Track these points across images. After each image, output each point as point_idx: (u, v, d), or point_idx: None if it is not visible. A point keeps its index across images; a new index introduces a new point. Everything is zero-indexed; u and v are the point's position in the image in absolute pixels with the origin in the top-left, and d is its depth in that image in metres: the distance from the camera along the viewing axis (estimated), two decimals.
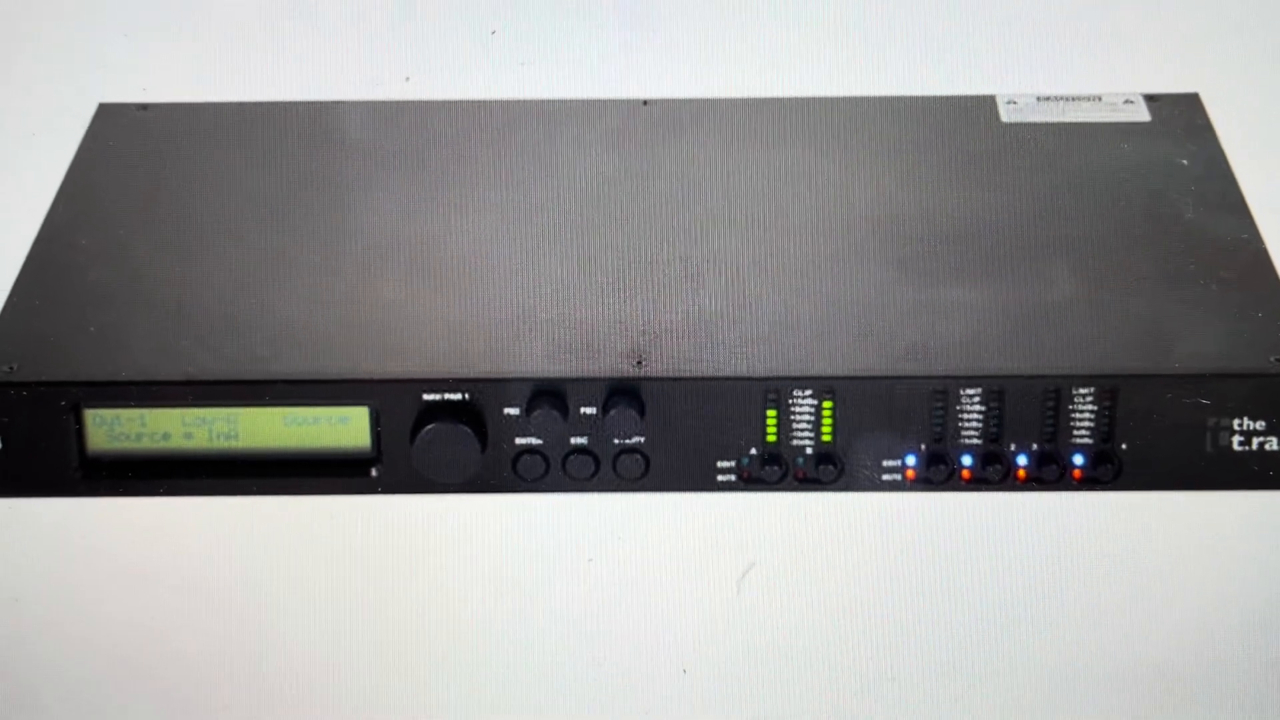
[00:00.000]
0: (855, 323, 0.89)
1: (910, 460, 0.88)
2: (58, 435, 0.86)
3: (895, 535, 0.89)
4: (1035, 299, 0.90)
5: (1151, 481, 0.88)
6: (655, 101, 1.05)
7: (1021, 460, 0.88)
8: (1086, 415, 0.87)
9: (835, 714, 0.91)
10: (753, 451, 0.88)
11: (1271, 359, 0.86)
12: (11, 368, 0.86)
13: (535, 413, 0.86)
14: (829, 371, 0.87)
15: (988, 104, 1.05)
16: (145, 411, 0.87)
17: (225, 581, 0.90)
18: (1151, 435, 0.87)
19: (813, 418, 0.87)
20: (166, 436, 0.87)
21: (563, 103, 1.06)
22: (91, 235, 0.96)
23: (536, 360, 0.87)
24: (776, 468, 0.88)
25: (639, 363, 0.87)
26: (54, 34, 1.19)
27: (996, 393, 0.86)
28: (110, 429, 0.87)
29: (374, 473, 0.88)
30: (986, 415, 0.87)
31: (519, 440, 0.87)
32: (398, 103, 1.07)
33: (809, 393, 0.87)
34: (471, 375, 0.86)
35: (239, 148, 1.03)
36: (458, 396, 0.86)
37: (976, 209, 0.97)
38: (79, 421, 0.87)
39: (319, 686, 0.91)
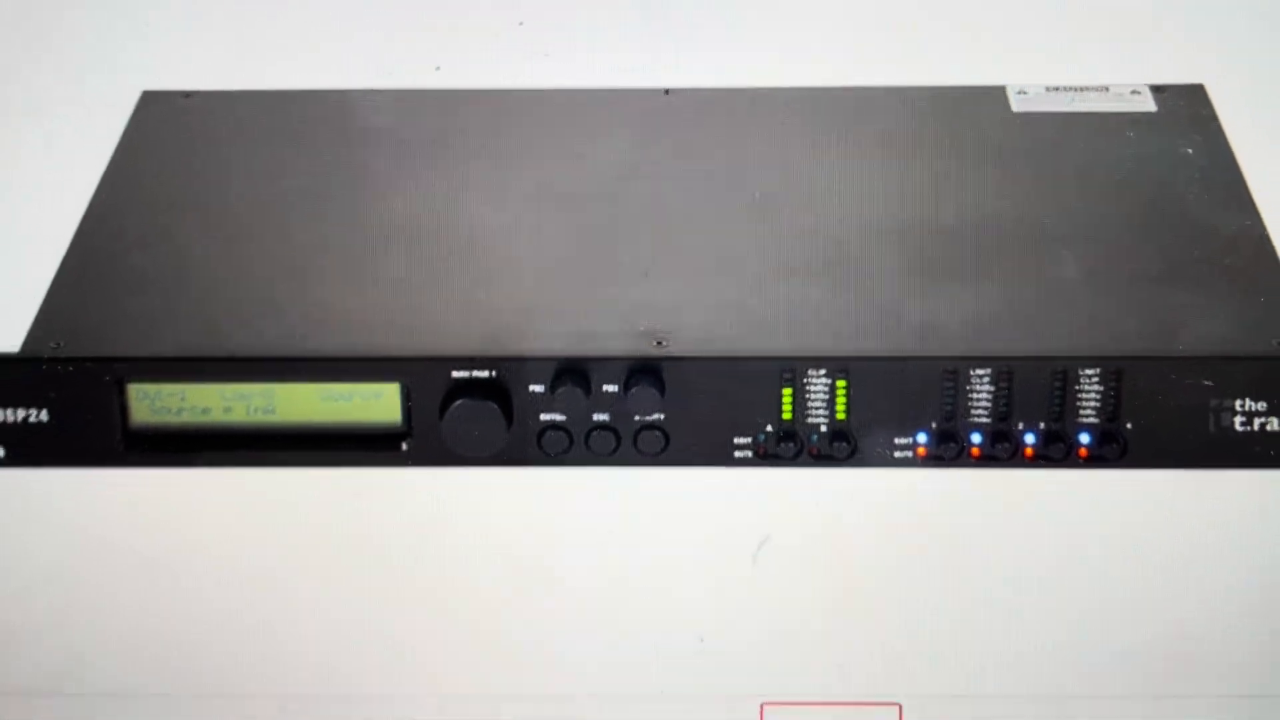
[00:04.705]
0: (869, 304, 0.90)
1: (921, 438, 0.89)
2: (102, 409, 0.88)
3: (906, 510, 0.90)
4: (1043, 283, 0.91)
5: (1156, 460, 0.88)
6: (677, 91, 1.07)
7: (1029, 439, 0.89)
8: (1093, 395, 0.88)
9: (847, 683, 0.92)
10: (769, 429, 0.89)
11: (1273, 342, 0.87)
12: (58, 344, 0.88)
13: (559, 390, 0.88)
14: (843, 352, 0.88)
15: (998, 94, 1.06)
16: (186, 386, 0.88)
17: (260, 550, 0.91)
18: (1156, 415, 0.87)
19: (827, 396, 0.88)
20: (206, 411, 0.89)
21: (587, 92, 1.07)
22: (135, 218, 0.98)
23: (561, 340, 0.88)
24: (792, 444, 0.89)
25: (659, 342, 0.88)
26: (100, 23, 1.19)
27: (1005, 373, 0.87)
28: (152, 403, 0.89)
29: (404, 447, 0.89)
30: (996, 395, 0.88)
31: (544, 416, 0.88)
32: (429, 91, 1.08)
33: (823, 372, 0.88)
34: (498, 354, 0.88)
35: (277, 134, 1.04)
36: (485, 374, 0.88)
37: (987, 195, 0.98)
38: (122, 396, 0.88)
39: (346, 652, 0.92)
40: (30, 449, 0.89)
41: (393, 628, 0.92)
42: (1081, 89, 1.06)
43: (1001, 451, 0.89)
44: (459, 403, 0.87)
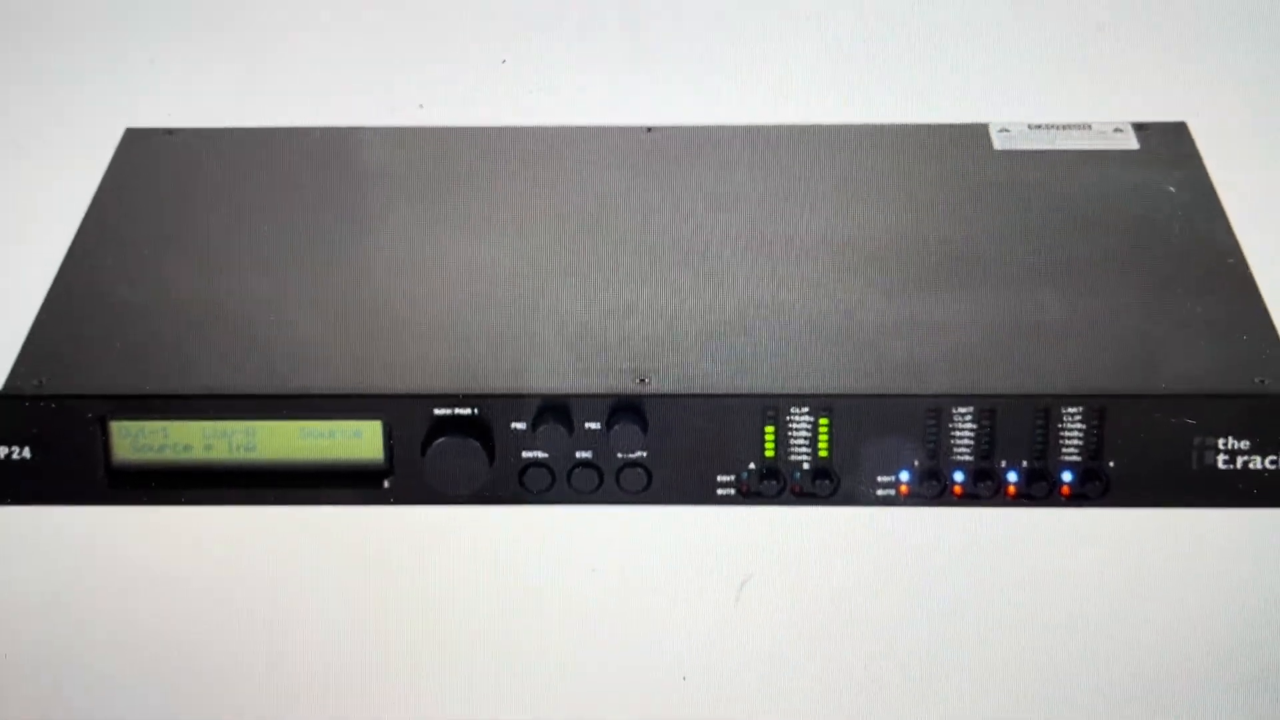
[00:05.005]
0: (851, 342, 0.91)
1: (904, 476, 0.89)
2: (84, 446, 0.88)
3: (889, 549, 0.91)
4: (1026, 320, 0.91)
5: (1138, 498, 0.89)
6: (658, 128, 1.07)
7: (1012, 477, 0.89)
8: (1075, 433, 0.88)
9: (830, 719, 0.92)
10: (751, 466, 0.89)
11: (1256, 380, 0.88)
12: (41, 381, 0.88)
13: (541, 427, 0.88)
14: (826, 389, 0.88)
15: (981, 132, 1.06)
16: (168, 424, 0.89)
17: (242, 588, 0.92)
18: (1138, 453, 0.88)
19: (810, 434, 0.88)
20: (188, 448, 0.89)
21: (569, 129, 1.07)
22: (118, 255, 0.98)
23: (543, 377, 0.89)
24: (774, 482, 0.89)
25: (642, 380, 0.88)
26: (83, 61, 1.20)
27: (988, 411, 0.88)
28: (135, 440, 0.89)
29: (386, 484, 0.89)
30: (978, 433, 0.88)
31: (526, 454, 0.89)
32: (412, 129, 1.08)
33: (806, 410, 0.88)
34: (481, 391, 0.88)
35: (260, 171, 1.04)
36: (467, 411, 0.88)
37: (969, 233, 0.98)
38: (105, 433, 0.88)
39: (329, 691, 0.92)
40: (12, 487, 0.89)
41: (373, 666, 0.92)
42: (1064, 127, 1.07)
43: (984, 490, 0.89)
44: (441, 440, 0.88)
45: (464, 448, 0.88)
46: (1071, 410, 0.87)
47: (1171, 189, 1.01)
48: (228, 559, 0.91)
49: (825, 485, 0.89)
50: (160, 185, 1.04)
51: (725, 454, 0.89)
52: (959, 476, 0.89)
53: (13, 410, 0.88)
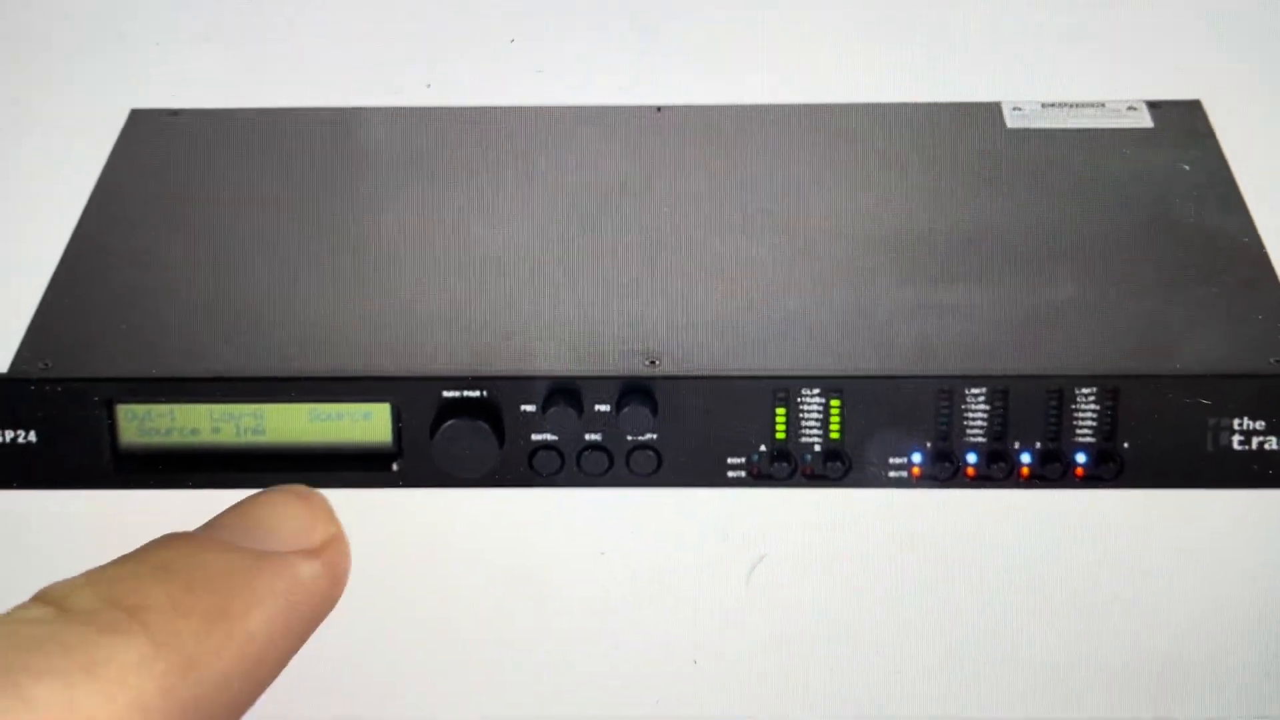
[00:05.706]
0: (863, 323, 0.90)
1: (916, 458, 0.88)
2: (91, 430, 0.88)
3: (901, 531, 0.91)
4: (1039, 300, 0.91)
5: (1153, 480, 0.88)
6: (668, 108, 1.06)
7: (1025, 458, 0.88)
8: (1089, 414, 0.87)
9: (841, 704, 0.92)
10: (762, 448, 0.88)
11: (1271, 360, 0.87)
12: (46, 364, 0.88)
13: (551, 410, 0.87)
14: (837, 371, 0.88)
15: (994, 110, 1.06)
16: (175, 407, 0.88)
17: None
18: (1153, 434, 0.87)
19: (821, 416, 0.88)
20: (196, 431, 0.89)
21: (578, 109, 1.07)
22: (123, 237, 0.97)
23: (553, 359, 0.88)
24: (785, 464, 0.89)
25: (652, 362, 0.88)
26: (88, 42, 1.20)
27: (1001, 392, 0.87)
28: (141, 424, 0.88)
29: (395, 467, 0.89)
30: (991, 414, 0.87)
31: (535, 436, 0.88)
32: (419, 109, 1.08)
33: (817, 391, 0.88)
34: (490, 373, 0.87)
35: (266, 152, 1.04)
36: (476, 394, 0.87)
37: (982, 212, 0.97)
38: (111, 416, 0.88)
39: (337, 674, 0.92)
40: (18, 471, 0.89)
41: (385, 649, 0.92)
42: (1077, 105, 1.06)
43: (997, 471, 0.89)
44: (450, 423, 0.87)
45: (473, 430, 0.87)
46: (1085, 391, 0.87)
47: (1186, 167, 1.01)
48: None
49: (837, 467, 0.89)
50: (165, 167, 1.03)
51: (736, 436, 0.88)
52: (972, 458, 0.88)
53: (18, 393, 0.87)
